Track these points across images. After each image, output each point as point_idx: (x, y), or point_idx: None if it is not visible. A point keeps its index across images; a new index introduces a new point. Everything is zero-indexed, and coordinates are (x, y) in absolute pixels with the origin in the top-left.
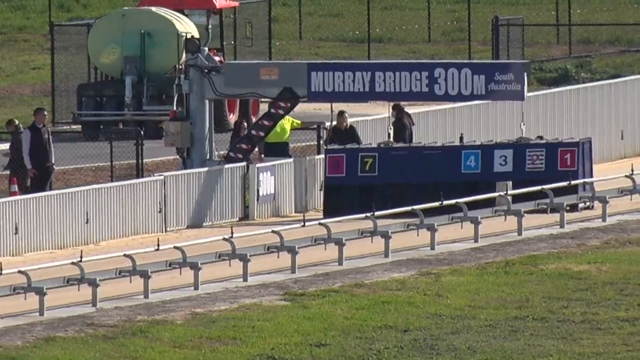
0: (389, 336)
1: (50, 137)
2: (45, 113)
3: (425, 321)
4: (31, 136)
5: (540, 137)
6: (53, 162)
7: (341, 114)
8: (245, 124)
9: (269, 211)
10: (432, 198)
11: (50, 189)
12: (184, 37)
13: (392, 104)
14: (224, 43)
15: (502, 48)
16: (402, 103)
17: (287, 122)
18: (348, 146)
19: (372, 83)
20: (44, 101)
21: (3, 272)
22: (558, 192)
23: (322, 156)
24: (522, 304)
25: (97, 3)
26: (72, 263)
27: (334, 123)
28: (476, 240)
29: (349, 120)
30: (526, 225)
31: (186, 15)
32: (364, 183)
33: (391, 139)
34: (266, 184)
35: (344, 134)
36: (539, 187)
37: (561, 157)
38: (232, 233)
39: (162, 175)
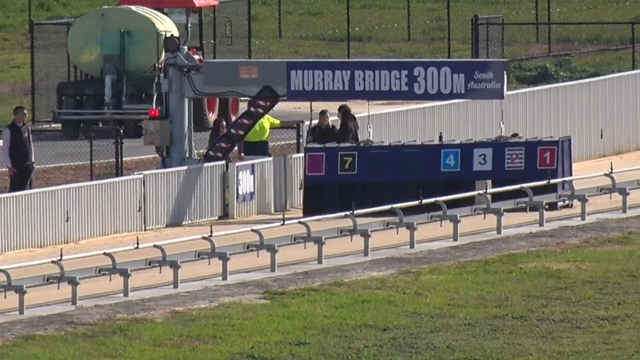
0: (368, 335)
1: (31, 135)
2: (25, 112)
3: (404, 320)
4: (11, 135)
5: (515, 135)
6: (33, 160)
7: (323, 113)
8: (225, 122)
9: (249, 210)
10: (411, 197)
11: (31, 188)
12: (164, 36)
13: (339, 105)
14: (204, 42)
15: (482, 47)
16: (349, 104)
17: (266, 121)
18: (327, 145)
19: (351, 82)
20: (23, 100)
21: None
22: (537, 190)
23: (301, 155)
24: (502, 302)
25: (77, 2)
26: (52, 261)
27: (315, 122)
28: (455, 239)
29: (330, 120)
30: (505, 223)
31: (165, 14)
32: (343, 182)
33: (371, 138)
34: (246, 182)
35: (326, 133)
36: (518, 186)
37: (540, 155)
38: (211, 232)
39: (141, 173)
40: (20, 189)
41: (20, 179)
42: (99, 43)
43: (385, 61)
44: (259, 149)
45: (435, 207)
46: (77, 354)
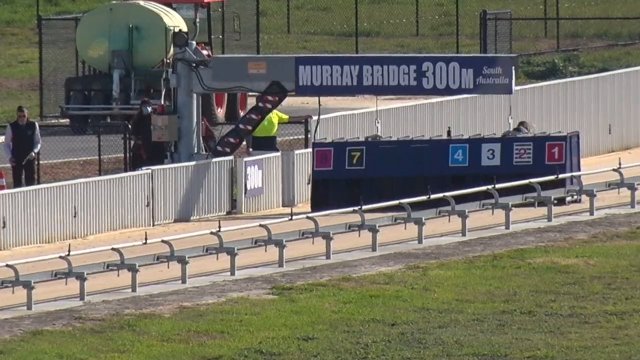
0: (376, 330)
1: (39, 132)
2: (26, 112)
3: (412, 315)
4: (12, 133)
5: (522, 123)
6: (33, 157)
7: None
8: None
9: (257, 205)
10: (419, 192)
11: (31, 184)
12: (172, 31)
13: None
14: (212, 37)
15: (490, 42)
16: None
17: (274, 116)
18: (336, 140)
19: (360, 77)
20: (31, 95)
21: None
22: (546, 185)
23: (309, 150)
24: (510, 297)
25: None
26: (60, 257)
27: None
28: (464, 234)
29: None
30: (514, 218)
31: (174, 9)
32: (351, 177)
33: (379, 133)
34: (254, 177)
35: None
36: (526, 181)
37: (549, 150)
38: (219, 227)
39: (149, 169)
40: (20, 183)
41: (20, 175)
42: (107, 38)
43: (393, 56)
44: (267, 144)
45: (443, 202)
46: (85, 349)
